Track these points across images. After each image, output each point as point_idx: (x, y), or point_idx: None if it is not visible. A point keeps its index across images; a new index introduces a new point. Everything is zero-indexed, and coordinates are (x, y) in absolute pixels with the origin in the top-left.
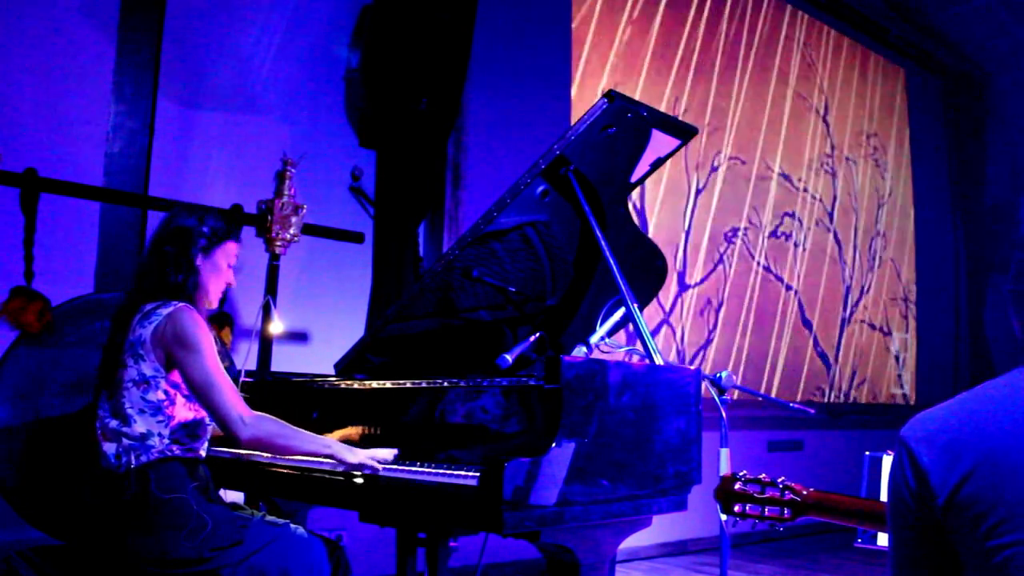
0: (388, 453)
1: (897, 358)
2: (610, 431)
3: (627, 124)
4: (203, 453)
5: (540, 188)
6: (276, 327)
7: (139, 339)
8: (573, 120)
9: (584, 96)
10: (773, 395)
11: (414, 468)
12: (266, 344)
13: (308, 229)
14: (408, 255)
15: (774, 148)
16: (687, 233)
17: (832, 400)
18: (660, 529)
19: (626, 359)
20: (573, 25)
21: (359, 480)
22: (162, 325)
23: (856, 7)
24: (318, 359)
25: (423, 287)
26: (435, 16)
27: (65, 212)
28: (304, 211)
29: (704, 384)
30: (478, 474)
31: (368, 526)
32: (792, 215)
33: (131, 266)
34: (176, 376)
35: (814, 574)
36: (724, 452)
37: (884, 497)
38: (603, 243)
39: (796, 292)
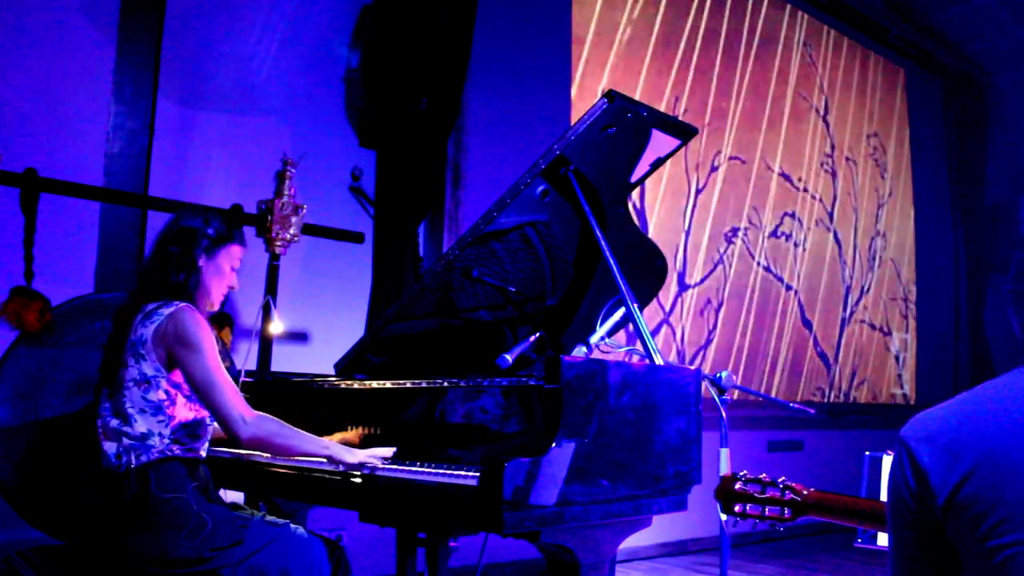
0: (387, 451)
1: (897, 358)
2: (610, 431)
3: (627, 124)
4: (203, 453)
5: (540, 188)
6: (276, 327)
7: (140, 339)
8: (573, 120)
9: (584, 96)
10: (773, 395)
11: (414, 468)
12: (266, 344)
13: (308, 229)
14: (408, 255)
15: (774, 148)
16: (687, 233)
17: (832, 400)
18: (660, 529)
19: (626, 359)
20: (573, 25)
21: (358, 480)
22: (163, 324)
23: (856, 7)
24: (318, 359)
25: (423, 287)
26: (435, 16)
27: (65, 212)
28: (304, 211)
29: (704, 384)
30: (478, 474)
31: (368, 526)
32: (792, 215)
33: (131, 266)
34: (177, 376)
35: (814, 574)
36: (724, 452)
37: (884, 497)
38: (603, 243)
39: (796, 292)
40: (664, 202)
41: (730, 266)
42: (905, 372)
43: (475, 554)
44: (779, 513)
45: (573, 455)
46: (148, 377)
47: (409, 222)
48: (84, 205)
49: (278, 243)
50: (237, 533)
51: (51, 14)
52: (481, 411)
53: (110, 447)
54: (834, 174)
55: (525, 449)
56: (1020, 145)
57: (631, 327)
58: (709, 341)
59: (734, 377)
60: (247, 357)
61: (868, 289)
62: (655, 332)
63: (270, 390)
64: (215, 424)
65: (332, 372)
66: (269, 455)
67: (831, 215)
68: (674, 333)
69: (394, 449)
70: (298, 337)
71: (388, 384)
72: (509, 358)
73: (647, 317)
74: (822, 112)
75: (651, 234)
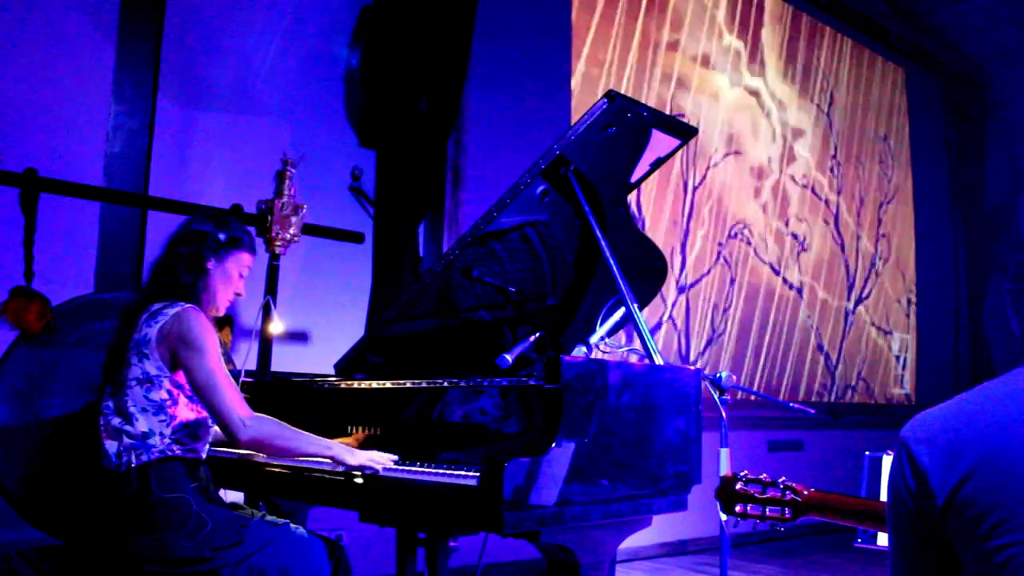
0: (387, 458)
1: (897, 358)
2: (610, 431)
3: (627, 124)
4: (203, 455)
5: (540, 188)
6: (276, 327)
7: (144, 338)
8: (573, 120)
9: (584, 96)
10: (774, 395)
11: (414, 468)
12: (266, 344)
13: (308, 229)
14: (408, 255)
15: (774, 148)
16: (687, 233)
17: (832, 400)
18: (660, 529)
19: (625, 357)
20: (573, 25)
21: (359, 480)
22: (168, 324)
23: (856, 7)
24: (318, 359)
25: (423, 287)
26: (435, 16)
27: (65, 212)
28: (304, 211)
29: (704, 384)
30: (478, 474)
31: (368, 526)
32: (794, 214)
33: (131, 266)
34: (180, 377)
35: (814, 574)
36: (724, 452)
37: (884, 497)
38: (603, 243)
39: (797, 292)
40: (664, 202)
41: (731, 266)
42: (905, 372)
43: (475, 554)
44: (779, 513)
45: (573, 455)
46: (151, 376)
47: (409, 222)
48: (84, 205)
49: (278, 243)
50: (237, 533)
51: (51, 14)
52: (481, 411)
53: (111, 446)
54: (835, 173)
55: (525, 449)
56: (1020, 145)
57: (637, 330)
58: (710, 341)
59: (734, 377)
60: (247, 357)
61: (868, 289)
62: (654, 330)
63: (270, 390)
64: (217, 426)
65: (332, 372)
66: (269, 455)
67: (833, 215)
68: (676, 333)
69: (396, 457)
70: (298, 337)
71: (388, 384)
72: (509, 358)
73: (648, 317)
74: (823, 112)
75: (650, 234)
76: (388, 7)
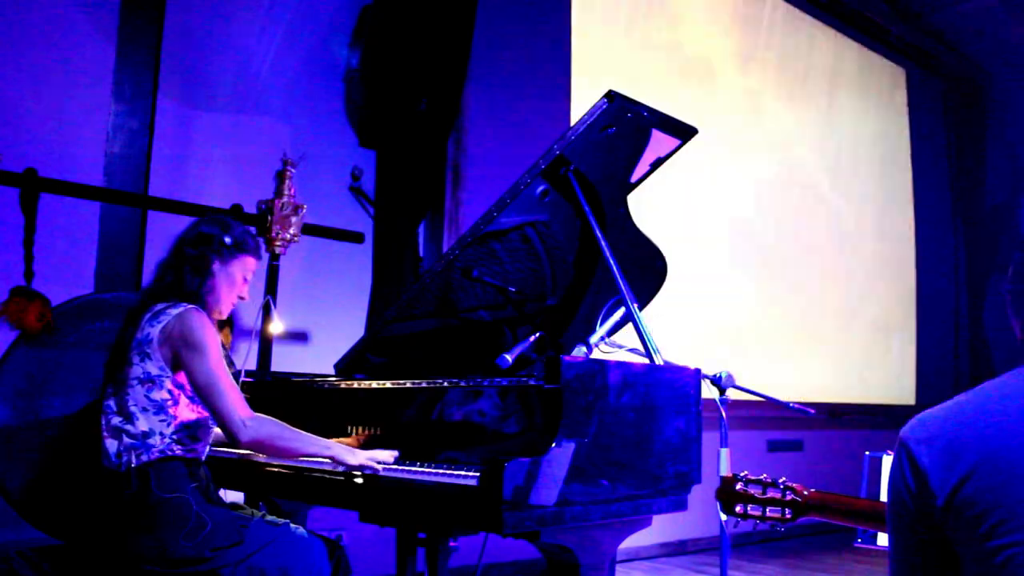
0: (388, 455)
1: (897, 358)
2: (610, 431)
3: (627, 124)
4: (204, 455)
5: (540, 188)
6: (276, 327)
7: (147, 337)
8: (573, 120)
9: (584, 96)
10: (774, 395)
11: (414, 468)
12: (266, 344)
13: (308, 229)
14: (408, 255)
15: (774, 148)
16: (686, 232)
17: (832, 400)
18: (660, 529)
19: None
20: (573, 25)
21: (359, 480)
22: (171, 325)
23: (856, 7)
24: (318, 359)
25: (423, 287)
26: (435, 16)
27: (65, 212)
28: (304, 211)
29: (704, 384)
30: (478, 474)
31: (368, 526)
32: (793, 215)
33: (131, 266)
34: (182, 377)
35: (814, 574)
36: (724, 452)
37: (884, 497)
38: (603, 243)
39: (798, 292)
40: (664, 201)
41: (731, 265)
42: (905, 372)
43: (475, 554)
44: (779, 514)
45: (573, 455)
46: (152, 376)
47: (409, 222)
48: (84, 205)
49: (278, 243)
50: (237, 533)
51: (51, 14)
52: (481, 411)
53: (111, 445)
54: (835, 174)
55: (525, 449)
56: (1020, 145)
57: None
58: (710, 341)
59: (734, 377)
60: (247, 357)
61: (869, 289)
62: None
63: (270, 390)
64: (217, 427)
65: (332, 372)
66: (269, 456)
67: (833, 215)
68: (675, 333)
69: (396, 453)
70: (298, 337)
71: (388, 384)
72: (509, 358)
73: (649, 317)
74: (823, 112)
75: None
76: (388, 7)
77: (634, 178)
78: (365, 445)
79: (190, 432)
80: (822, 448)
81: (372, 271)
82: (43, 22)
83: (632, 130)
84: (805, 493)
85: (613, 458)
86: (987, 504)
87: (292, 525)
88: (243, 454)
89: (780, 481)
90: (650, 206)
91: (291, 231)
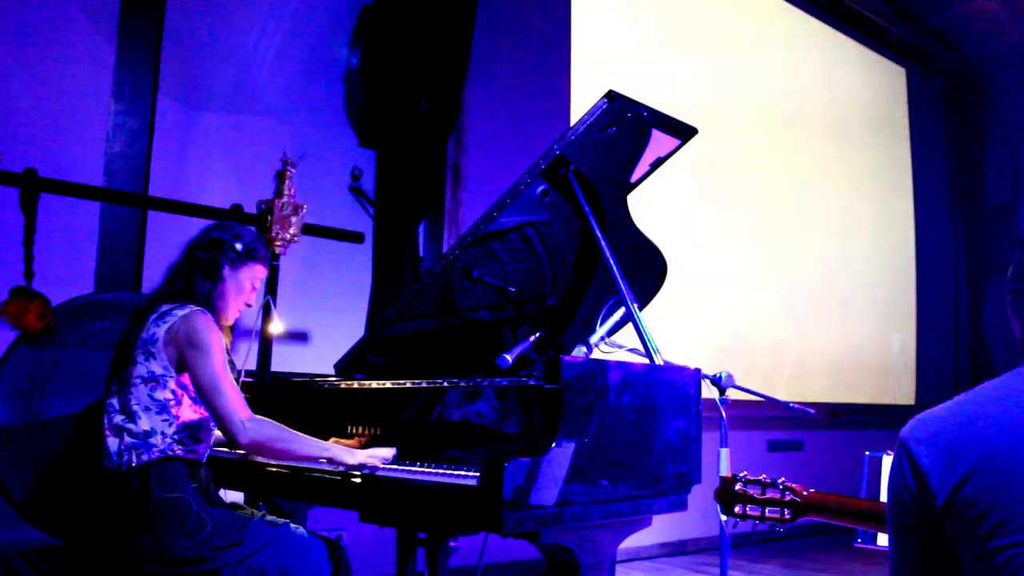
0: (387, 452)
1: (897, 358)
2: (610, 431)
3: (627, 124)
4: (204, 457)
5: (540, 188)
6: (276, 327)
7: (152, 337)
8: (573, 120)
9: (584, 96)
10: (774, 395)
11: (414, 468)
12: (266, 344)
13: (308, 229)
14: (408, 255)
15: (774, 148)
16: (686, 232)
17: (832, 400)
18: (660, 529)
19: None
20: (572, 25)
21: (357, 480)
22: (176, 325)
23: (856, 7)
24: (318, 359)
25: (423, 287)
26: (435, 16)
27: (65, 212)
28: (304, 211)
29: (704, 384)
30: (478, 474)
31: (368, 526)
32: (793, 215)
33: (131, 266)
34: (186, 378)
35: (814, 574)
36: (724, 452)
37: (884, 497)
38: (603, 243)
39: (797, 292)
40: (663, 200)
41: (730, 265)
42: (905, 372)
43: (475, 554)
44: (779, 514)
45: (573, 455)
46: (156, 376)
47: (409, 222)
48: (84, 205)
49: (278, 243)
50: (237, 533)
51: (51, 14)
52: (481, 411)
53: (113, 443)
54: (834, 174)
55: (525, 449)
56: (1020, 145)
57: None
58: (710, 341)
59: (734, 377)
60: (247, 357)
61: (868, 289)
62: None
63: (270, 390)
64: (217, 428)
65: (332, 372)
66: (268, 458)
67: (833, 215)
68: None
69: (395, 450)
70: (298, 337)
71: (388, 384)
72: (509, 358)
73: (649, 317)
74: (822, 112)
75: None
76: (388, 7)
77: (634, 178)
78: (365, 445)
79: (191, 432)
80: (822, 448)
81: (372, 271)
82: (43, 22)
83: (632, 130)
84: (804, 493)
85: (613, 458)
86: (987, 504)
87: (292, 525)
88: (243, 454)
89: (779, 481)
90: (650, 206)
91: (291, 231)
